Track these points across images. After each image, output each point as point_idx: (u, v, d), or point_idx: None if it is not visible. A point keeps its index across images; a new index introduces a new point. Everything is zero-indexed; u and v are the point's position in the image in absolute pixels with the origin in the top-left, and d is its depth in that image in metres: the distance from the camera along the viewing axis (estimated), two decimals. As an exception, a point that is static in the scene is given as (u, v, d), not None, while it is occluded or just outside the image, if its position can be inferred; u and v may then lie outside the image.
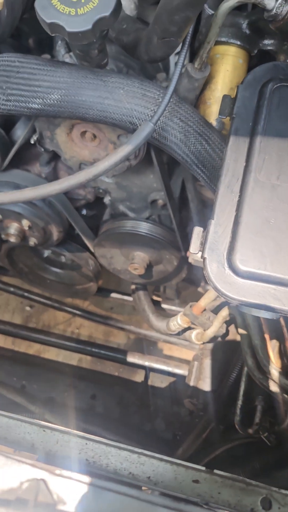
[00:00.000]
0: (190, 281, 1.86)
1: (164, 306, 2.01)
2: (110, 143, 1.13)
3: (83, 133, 1.13)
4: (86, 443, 0.57)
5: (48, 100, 0.84)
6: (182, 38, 0.74)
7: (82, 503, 0.48)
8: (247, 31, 0.93)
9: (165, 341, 1.89)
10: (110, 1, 0.65)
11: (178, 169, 1.40)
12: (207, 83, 0.95)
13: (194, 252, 0.65)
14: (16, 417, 0.58)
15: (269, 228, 0.62)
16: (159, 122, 0.85)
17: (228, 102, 0.71)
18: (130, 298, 2.02)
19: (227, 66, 0.95)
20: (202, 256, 0.64)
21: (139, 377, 2.43)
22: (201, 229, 0.66)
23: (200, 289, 1.89)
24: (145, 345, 2.57)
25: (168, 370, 1.86)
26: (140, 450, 0.54)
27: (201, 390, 1.42)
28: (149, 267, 1.63)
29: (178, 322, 1.39)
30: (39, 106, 0.85)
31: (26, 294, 2.13)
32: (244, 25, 0.93)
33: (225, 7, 0.78)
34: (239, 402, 1.25)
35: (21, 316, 2.76)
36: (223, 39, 0.94)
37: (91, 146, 1.17)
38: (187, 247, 1.55)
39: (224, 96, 0.72)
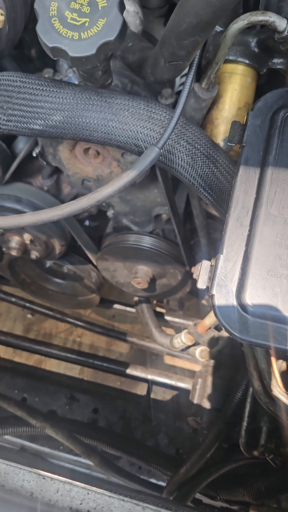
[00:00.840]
0: (194, 293, 1.83)
1: (167, 318, 1.98)
2: (114, 160, 1.10)
3: (86, 150, 1.11)
4: (88, 493, 0.54)
5: (50, 122, 0.82)
6: (190, 61, 0.71)
7: None
8: (256, 50, 0.90)
9: (168, 354, 1.86)
10: (115, 24, 0.63)
11: (183, 184, 1.38)
12: (214, 102, 0.93)
13: (202, 287, 0.62)
14: (14, 465, 0.55)
15: (281, 265, 0.59)
16: (165, 145, 0.82)
17: (238, 129, 0.68)
18: (132, 310, 1.99)
19: (235, 85, 0.92)
20: (210, 293, 0.61)
21: (140, 389, 2.40)
22: (209, 263, 0.64)
23: (204, 302, 1.86)
24: (148, 356, 2.55)
25: (171, 384, 1.83)
26: (145, 504, 0.51)
27: (205, 409, 1.39)
28: (152, 280, 1.61)
29: (182, 340, 1.36)
30: (41, 127, 0.83)
31: (27, 304, 2.10)
32: (253, 44, 0.90)
33: (234, 28, 0.75)
34: (244, 424, 1.22)
35: (22, 324, 2.74)
36: (231, 58, 0.91)
37: (94, 162, 1.14)
38: (191, 261, 1.52)
39: (233, 123, 0.69)
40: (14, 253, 1.48)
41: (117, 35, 0.63)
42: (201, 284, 0.62)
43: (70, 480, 0.54)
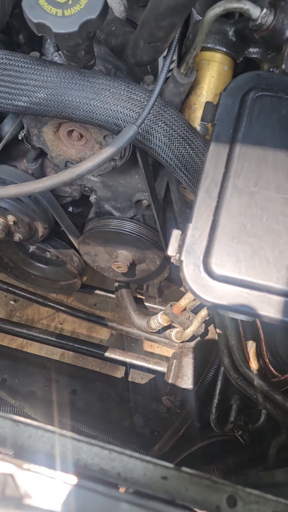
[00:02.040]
0: (172, 280, 1.88)
1: (146, 304, 2.02)
2: (96, 143, 1.14)
3: (69, 132, 1.14)
4: (59, 438, 0.58)
5: (35, 99, 0.85)
6: (168, 43, 0.76)
7: (49, 497, 0.49)
8: (233, 39, 0.95)
9: (146, 338, 1.90)
10: (97, 3, 0.66)
11: (163, 171, 1.42)
12: (192, 88, 0.97)
13: (171, 254, 0.67)
14: (-13, 413, 0.59)
15: (245, 234, 0.64)
16: (143, 125, 0.86)
17: (211, 109, 0.73)
18: (113, 295, 2.03)
19: (213, 72, 0.97)
20: (179, 259, 0.65)
21: (119, 373, 2.45)
22: (179, 232, 0.68)
23: (182, 289, 1.91)
24: (127, 342, 2.60)
25: (148, 367, 1.87)
26: (110, 447, 0.55)
27: (179, 388, 1.44)
28: (132, 265, 1.65)
29: (159, 320, 1.41)
30: (25, 104, 0.86)
31: (10, 288, 2.13)
32: (231, 33, 0.95)
33: (211, 14, 0.80)
34: (215, 401, 1.28)
35: (5, 310, 2.76)
36: (209, 45, 0.96)
37: (77, 145, 1.18)
38: (170, 247, 1.57)
39: (207, 103, 0.74)
40: (-3, 234, 1.51)
41: (99, 14, 0.67)
42: (171, 252, 0.67)
43: (44, 425, 0.58)
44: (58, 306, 2.13)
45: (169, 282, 1.91)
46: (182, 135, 0.89)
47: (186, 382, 1.43)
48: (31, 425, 0.58)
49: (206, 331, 1.44)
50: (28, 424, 0.59)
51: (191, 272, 0.64)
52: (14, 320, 2.72)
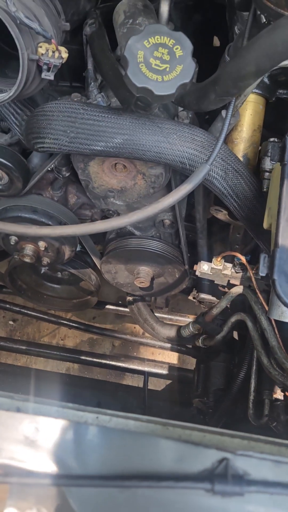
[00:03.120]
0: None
1: (156, 314, 2.15)
2: (139, 173, 1.26)
3: (113, 165, 1.26)
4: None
5: (111, 143, 0.97)
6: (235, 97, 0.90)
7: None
8: (268, 82, 1.11)
9: (161, 347, 2.03)
10: (190, 69, 0.80)
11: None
12: (234, 125, 1.12)
13: (262, 274, 0.80)
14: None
15: None
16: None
17: (277, 150, 0.87)
18: (124, 309, 2.14)
19: (250, 111, 1.12)
20: (271, 279, 0.79)
21: (126, 381, 2.56)
22: (266, 256, 0.82)
23: (190, 297, 2.05)
24: (130, 352, 2.71)
25: (165, 374, 2.00)
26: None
27: (210, 389, 1.57)
28: (151, 279, 1.77)
29: (190, 329, 1.54)
30: (102, 148, 0.98)
31: (7, 306, 2.17)
32: (266, 77, 1.10)
33: (264, 69, 0.95)
34: (251, 397, 1.42)
35: (4, 330, 2.80)
36: (247, 88, 1.11)
37: (120, 175, 1.29)
38: (191, 263, 1.70)
39: (273, 144, 0.88)
40: (28, 259, 1.58)
41: (191, 78, 0.80)
42: (262, 272, 0.80)
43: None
44: (61, 321, 2.20)
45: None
46: (235, 167, 1.04)
47: (216, 383, 1.57)
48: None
49: (231, 335, 1.59)
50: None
51: (285, 289, 0.78)
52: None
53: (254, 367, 1.44)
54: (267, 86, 1.11)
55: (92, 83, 1.23)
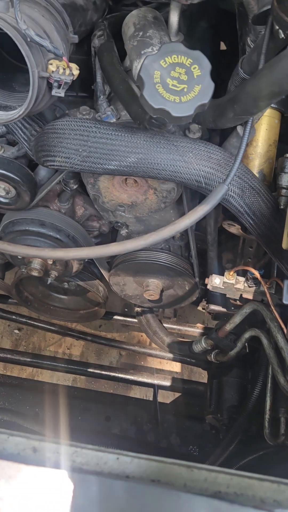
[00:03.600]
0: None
1: (165, 325, 2.12)
2: (150, 188, 1.23)
3: (124, 180, 1.22)
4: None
5: (125, 163, 0.94)
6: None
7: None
8: (283, 96, 1.07)
9: (170, 359, 2.00)
10: (209, 89, 0.76)
11: (193, 204, 1.53)
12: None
13: (286, 302, 0.77)
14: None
15: None
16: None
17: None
18: (133, 320, 2.11)
19: (265, 126, 1.09)
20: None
21: (133, 392, 2.52)
22: (290, 282, 0.79)
23: (199, 308, 2.02)
24: (137, 362, 2.68)
25: (177, 387, 1.97)
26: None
27: (224, 406, 1.54)
28: (160, 292, 1.74)
29: (203, 345, 1.51)
30: (115, 167, 0.94)
31: (13, 317, 2.15)
32: (282, 91, 1.07)
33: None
34: (267, 416, 1.39)
35: (10, 340, 2.77)
36: (262, 102, 1.07)
37: (130, 190, 1.26)
38: (200, 274, 1.67)
39: (287, 158, 0.85)
40: (35, 273, 1.56)
41: (210, 98, 0.76)
42: (286, 300, 0.77)
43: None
44: (70, 332, 2.18)
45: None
46: (252, 185, 1.00)
47: (230, 400, 1.54)
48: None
49: (244, 350, 1.55)
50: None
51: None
52: (20, 349, 2.73)
53: (269, 385, 1.41)
54: (283, 100, 1.08)
55: (102, 97, 1.19)
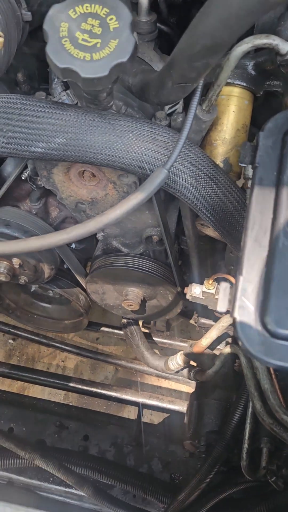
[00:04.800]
0: (181, 313, 1.82)
1: (155, 338, 1.96)
2: (110, 182, 1.09)
3: (81, 172, 1.09)
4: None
5: (53, 144, 0.80)
6: (198, 83, 0.72)
7: None
8: (253, 72, 0.92)
9: (158, 376, 1.83)
10: (127, 46, 0.62)
11: (173, 205, 1.38)
12: (213, 124, 0.93)
13: (222, 310, 0.61)
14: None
15: (303, 286, 0.58)
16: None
17: (249, 150, 0.68)
18: (119, 332, 1.96)
19: (233, 107, 0.93)
20: (232, 316, 0.60)
21: (127, 411, 2.36)
22: (228, 284, 0.63)
23: (192, 321, 1.85)
24: (134, 378, 2.51)
25: (163, 407, 1.80)
26: None
27: (202, 431, 1.36)
28: (142, 302, 1.59)
29: (178, 362, 1.34)
30: (42, 150, 0.81)
31: (11, 330, 2.05)
32: (250, 67, 0.91)
33: (238, 51, 0.76)
34: (245, 446, 1.20)
35: (3, 349, 2.66)
36: (228, 80, 0.92)
37: (89, 185, 1.13)
38: (182, 282, 1.51)
39: (244, 143, 0.69)
40: (2, 278, 1.44)
41: (130, 56, 0.62)
42: (221, 307, 0.61)
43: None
44: (61, 346, 2.06)
45: (177, 315, 1.85)
46: (209, 174, 0.85)
47: (210, 424, 1.36)
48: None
49: (226, 368, 1.38)
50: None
51: (247, 331, 0.58)
52: (14, 359, 2.62)
53: (250, 410, 1.23)
54: (253, 77, 0.92)
55: (56, 79, 1.07)
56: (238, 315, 0.59)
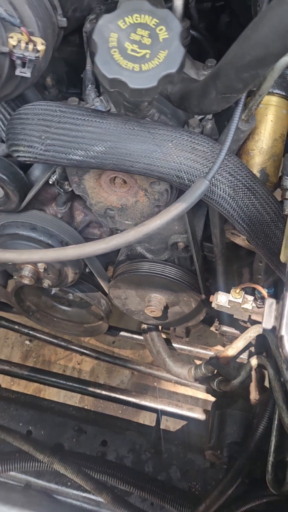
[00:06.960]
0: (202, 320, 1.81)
1: (175, 345, 1.94)
2: (141, 189, 1.08)
3: (112, 179, 1.08)
4: None
5: (92, 152, 0.79)
6: (243, 94, 0.71)
7: None
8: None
9: (177, 382, 1.82)
10: (176, 56, 0.61)
11: (200, 212, 1.37)
12: (250, 133, 0.92)
13: (268, 327, 0.60)
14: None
15: None
16: (209, 176, 0.80)
17: (295, 163, 0.67)
18: (138, 337, 1.95)
19: (271, 117, 0.92)
20: (277, 333, 0.58)
21: (143, 416, 2.35)
22: (274, 301, 0.61)
23: (212, 328, 1.84)
24: (150, 382, 2.50)
25: (182, 414, 1.78)
26: None
27: (225, 442, 1.35)
28: (165, 308, 1.57)
29: (203, 370, 1.33)
30: (81, 158, 0.81)
31: (30, 332, 2.05)
32: (290, 75, 0.90)
33: (283, 61, 0.75)
34: (271, 459, 1.19)
35: (20, 350, 2.67)
36: (267, 89, 0.91)
37: (119, 191, 1.12)
38: (205, 289, 1.50)
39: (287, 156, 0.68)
40: (26, 281, 1.44)
41: (179, 67, 0.61)
42: (267, 324, 0.60)
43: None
44: (78, 349, 2.05)
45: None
46: (247, 185, 0.84)
47: (232, 435, 1.35)
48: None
49: (250, 380, 1.36)
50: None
51: (296, 350, 0.57)
52: (30, 361, 2.63)
53: (275, 422, 1.21)
54: (293, 86, 0.91)
55: (90, 85, 1.06)
56: (285, 334, 0.58)
